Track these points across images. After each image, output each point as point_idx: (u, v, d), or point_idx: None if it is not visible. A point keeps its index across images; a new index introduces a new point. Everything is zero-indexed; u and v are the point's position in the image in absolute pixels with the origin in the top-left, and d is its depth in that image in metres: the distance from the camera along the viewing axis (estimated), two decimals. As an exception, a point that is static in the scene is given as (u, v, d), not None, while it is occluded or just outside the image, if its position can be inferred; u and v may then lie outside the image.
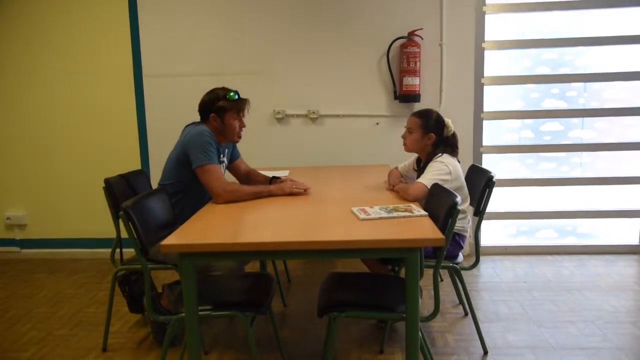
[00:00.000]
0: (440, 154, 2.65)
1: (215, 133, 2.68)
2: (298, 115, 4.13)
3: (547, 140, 4.18)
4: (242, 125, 2.75)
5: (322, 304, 2.11)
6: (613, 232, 4.27)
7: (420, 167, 2.78)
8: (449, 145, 2.72)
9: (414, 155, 2.97)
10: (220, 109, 2.67)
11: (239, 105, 2.70)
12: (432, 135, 2.72)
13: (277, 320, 2.84)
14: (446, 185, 2.43)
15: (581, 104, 4.14)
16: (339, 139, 4.12)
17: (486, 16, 3.98)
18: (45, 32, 4.15)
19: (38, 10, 4.12)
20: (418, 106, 3.88)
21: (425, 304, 3.13)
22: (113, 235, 2.73)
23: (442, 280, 3.52)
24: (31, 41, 4.17)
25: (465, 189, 2.68)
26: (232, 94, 2.68)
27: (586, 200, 4.23)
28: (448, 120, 2.74)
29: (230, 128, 2.70)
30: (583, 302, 3.20)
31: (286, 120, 4.14)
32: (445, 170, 2.56)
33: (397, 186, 2.67)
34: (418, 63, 3.88)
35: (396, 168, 3.07)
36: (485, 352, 2.62)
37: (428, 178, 2.53)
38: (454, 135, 2.75)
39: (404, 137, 2.82)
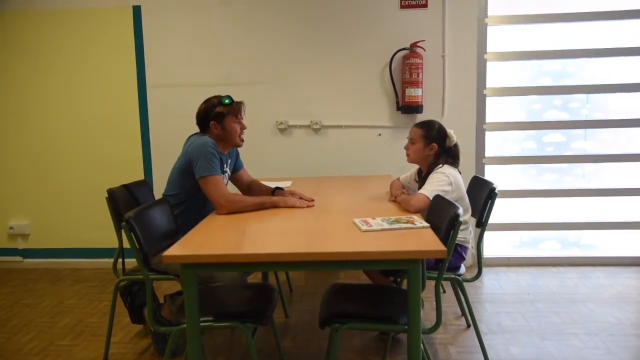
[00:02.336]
0: (440, 165, 2.66)
1: (217, 141, 2.69)
2: (301, 126, 4.14)
3: (549, 151, 4.18)
4: (242, 127, 2.77)
5: (324, 315, 2.11)
6: (617, 243, 4.25)
7: (422, 178, 2.79)
8: (450, 155, 2.73)
9: (416, 167, 2.98)
10: (218, 114, 2.70)
11: (236, 108, 2.73)
12: (435, 146, 2.72)
13: (279, 331, 2.83)
14: (447, 196, 2.44)
15: (584, 115, 4.14)
16: (342, 149, 4.13)
17: (488, 28, 4.00)
18: (49, 44, 4.19)
19: (44, 24, 4.16)
20: (420, 117, 3.91)
21: (428, 316, 3.12)
22: (116, 245, 2.74)
23: (444, 291, 3.51)
24: (36, 54, 4.20)
25: (466, 199, 2.68)
26: (226, 100, 2.71)
27: (589, 212, 4.22)
28: (450, 131, 2.75)
29: (232, 132, 2.72)
30: (587, 314, 3.18)
31: (289, 130, 4.16)
32: (447, 180, 2.57)
33: (399, 197, 2.67)
34: (420, 74, 3.90)
35: (398, 179, 3.07)
36: (488, 365, 2.61)
37: (429, 189, 2.53)
38: (456, 145, 2.76)
39: (406, 148, 2.83)
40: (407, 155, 2.83)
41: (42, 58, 4.21)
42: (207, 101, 2.76)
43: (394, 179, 3.08)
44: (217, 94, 2.77)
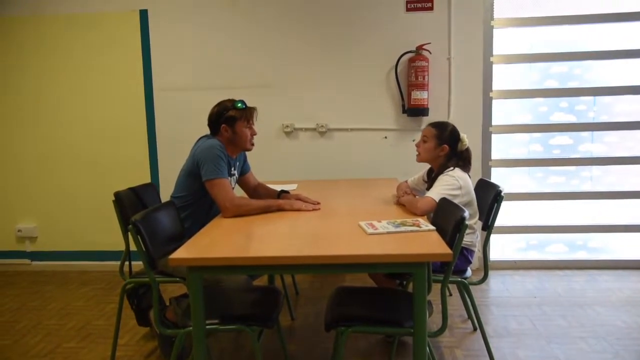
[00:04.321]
0: (452, 168, 2.65)
1: (227, 144, 2.71)
2: (307, 129, 4.15)
3: (556, 154, 4.16)
4: (253, 133, 2.78)
5: (329, 318, 2.11)
6: (624, 246, 4.22)
7: (431, 178, 2.79)
8: (462, 159, 2.72)
9: (424, 169, 2.98)
10: (230, 118, 2.71)
11: (248, 113, 2.74)
12: (446, 147, 2.72)
13: (284, 334, 2.83)
14: (456, 200, 2.43)
15: (591, 117, 4.13)
16: (347, 152, 4.13)
17: (494, 30, 3.99)
18: (57, 48, 4.22)
19: (52, 28, 4.19)
20: (426, 120, 3.91)
21: (434, 319, 3.11)
22: (122, 248, 2.75)
23: (450, 294, 3.50)
24: (43, 58, 4.24)
25: (475, 204, 2.67)
26: (239, 104, 2.72)
27: (597, 215, 4.19)
28: (464, 135, 2.75)
29: (242, 136, 2.74)
30: (594, 318, 3.16)
31: (295, 134, 4.16)
32: (456, 185, 2.56)
33: (405, 198, 2.66)
34: (426, 77, 3.90)
35: (405, 181, 3.07)
36: (495, 368, 2.60)
37: (437, 192, 2.53)
38: (467, 150, 2.76)
39: (417, 145, 2.84)
40: (418, 153, 2.83)
41: (49, 62, 4.24)
42: (220, 104, 2.77)
43: (401, 182, 3.08)
44: (229, 98, 2.78)
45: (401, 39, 3.97)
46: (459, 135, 2.75)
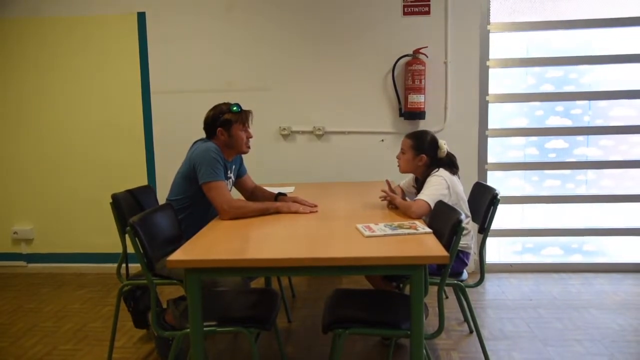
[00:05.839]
0: (437, 169, 2.66)
1: (223, 148, 2.72)
2: (304, 132, 4.16)
3: (552, 157, 4.19)
4: (249, 136, 2.80)
5: (326, 321, 2.11)
6: (619, 250, 4.25)
7: (418, 184, 2.80)
8: (444, 164, 2.72)
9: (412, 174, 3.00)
10: (226, 122, 2.72)
11: (244, 116, 2.75)
12: (424, 157, 2.74)
13: (281, 337, 2.84)
14: (446, 199, 2.45)
15: (586, 121, 4.15)
16: (345, 155, 4.14)
17: (491, 35, 4.02)
18: (55, 50, 4.22)
19: (50, 31, 4.19)
20: (423, 123, 3.93)
21: (430, 321, 3.11)
22: (119, 250, 2.75)
23: (447, 297, 3.51)
24: (41, 59, 4.24)
25: (466, 205, 2.69)
26: (234, 107, 2.73)
27: (592, 218, 4.22)
28: (442, 142, 2.75)
29: (238, 139, 2.75)
30: (589, 321, 3.17)
31: (292, 136, 4.17)
32: (444, 184, 2.58)
33: (399, 201, 2.67)
34: (423, 81, 3.92)
35: (398, 185, 3.09)
36: (491, 371, 2.61)
37: (427, 194, 2.55)
38: (448, 155, 2.76)
39: (398, 157, 2.86)
40: (398, 165, 2.85)
41: (46, 64, 4.24)
42: (216, 107, 2.78)
43: (395, 186, 3.09)
44: (224, 101, 2.79)
45: (398, 42, 3.99)
46: (437, 142, 2.75)
